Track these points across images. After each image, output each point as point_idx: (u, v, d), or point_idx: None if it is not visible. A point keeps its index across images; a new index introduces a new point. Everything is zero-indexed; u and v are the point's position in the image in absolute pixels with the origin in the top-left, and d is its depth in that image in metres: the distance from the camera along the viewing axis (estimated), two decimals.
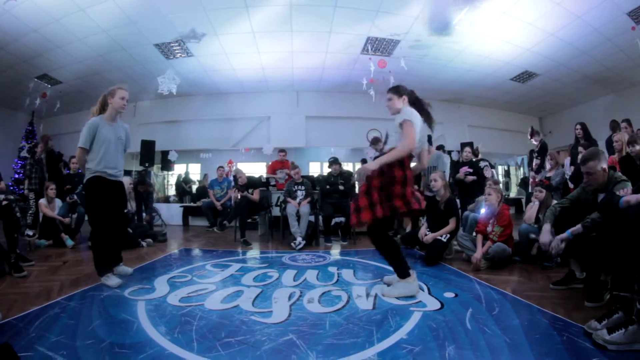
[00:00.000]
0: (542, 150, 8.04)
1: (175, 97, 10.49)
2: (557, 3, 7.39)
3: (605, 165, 3.53)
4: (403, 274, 3.85)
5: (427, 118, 4.04)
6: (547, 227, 3.75)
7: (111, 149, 4.49)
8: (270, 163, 10.90)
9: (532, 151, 8.56)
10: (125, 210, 6.74)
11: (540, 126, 15.41)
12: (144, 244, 7.02)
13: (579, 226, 3.38)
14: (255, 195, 7.72)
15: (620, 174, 3.62)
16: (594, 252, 3.34)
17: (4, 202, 5.39)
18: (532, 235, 4.98)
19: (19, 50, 9.07)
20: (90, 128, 4.37)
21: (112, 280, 4.36)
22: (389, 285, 4.04)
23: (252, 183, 7.98)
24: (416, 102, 4.06)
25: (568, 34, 8.56)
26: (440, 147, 9.80)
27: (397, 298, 3.71)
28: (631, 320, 2.58)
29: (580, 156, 3.96)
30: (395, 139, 3.85)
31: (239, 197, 7.72)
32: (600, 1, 7.26)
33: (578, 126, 7.54)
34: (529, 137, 8.50)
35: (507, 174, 16.13)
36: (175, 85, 9.19)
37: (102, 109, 4.60)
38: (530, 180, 7.76)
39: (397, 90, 4.08)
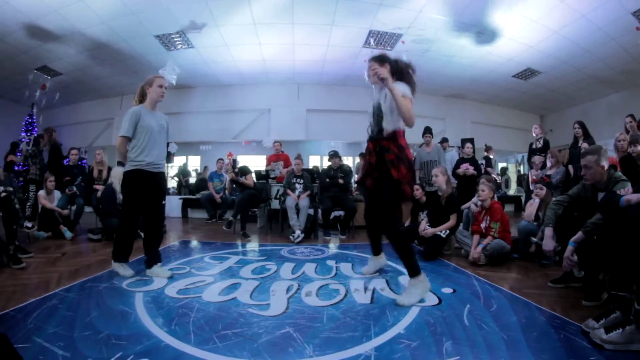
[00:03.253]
0: (545, 148, 8.02)
1: (176, 88, 10.50)
2: (562, 0, 7.35)
3: (604, 163, 3.52)
4: (415, 271, 3.68)
5: (411, 85, 3.79)
6: (549, 232, 3.75)
7: (154, 138, 4.34)
8: (269, 157, 10.81)
9: (531, 148, 8.51)
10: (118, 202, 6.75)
11: (541, 124, 15.41)
12: (142, 234, 7.02)
13: (580, 233, 3.35)
14: (249, 180, 7.74)
15: (620, 173, 3.61)
16: (593, 251, 3.33)
17: (3, 194, 5.38)
18: (534, 240, 4.97)
19: (19, 42, 9.05)
20: (133, 116, 4.24)
21: (125, 270, 4.37)
22: (366, 274, 4.28)
23: (243, 170, 8.00)
24: (400, 72, 3.88)
25: (572, 32, 8.53)
26: (445, 141, 9.75)
27: (396, 292, 3.74)
28: (629, 320, 2.57)
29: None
30: (391, 118, 3.74)
31: (232, 179, 7.79)
32: (605, 0, 7.22)
33: (576, 125, 7.50)
34: (536, 133, 8.42)
35: (505, 171, 16.06)
36: (175, 76, 9.17)
37: (141, 99, 4.48)
38: (531, 178, 7.73)
39: (380, 59, 3.93)
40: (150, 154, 4.31)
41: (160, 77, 4.54)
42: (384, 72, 3.59)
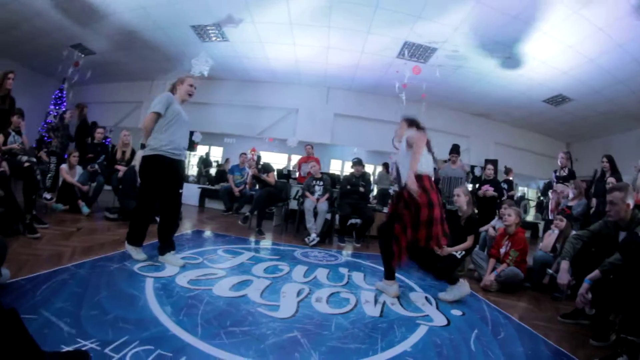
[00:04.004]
0: (570, 178, 7.91)
1: (205, 79, 10.56)
2: (600, 28, 7.28)
3: (630, 202, 3.49)
4: (453, 280, 4.14)
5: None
6: (565, 266, 3.75)
7: (180, 123, 4.37)
8: (299, 159, 10.80)
9: (555, 176, 8.40)
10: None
11: (568, 152, 15.22)
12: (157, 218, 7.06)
13: (597, 272, 3.33)
14: (270, 178, 7.75)
15: None
16: (608, 291, 3.28)
17: (27, 164, 5.43)
18: (549, 271, 4.90)
19: (57, 18, 9.19)
20: (166, 97, 4.31)
21: (138, 254, 4.38)
22: (381, 291, 4.22)
23: (266, 168, 8.02)
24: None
25: (607, 61, 8.43)
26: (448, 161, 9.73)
27: (406, 309, 3.72)
28: None
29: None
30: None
31: (254, 175, 7.83)
32: None
33: (604, 159, 7.37)
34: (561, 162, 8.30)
35: (523, 197, 15.87)
36: (207, 67, 9.25)
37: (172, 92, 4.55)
38: (551, 207, 7.64)
39: (411, 121, 4.37)
40: (173, 135, 4.31)
41: (192, 76, 4.62)
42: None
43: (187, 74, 4.64)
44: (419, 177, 3.85)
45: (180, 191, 4.67)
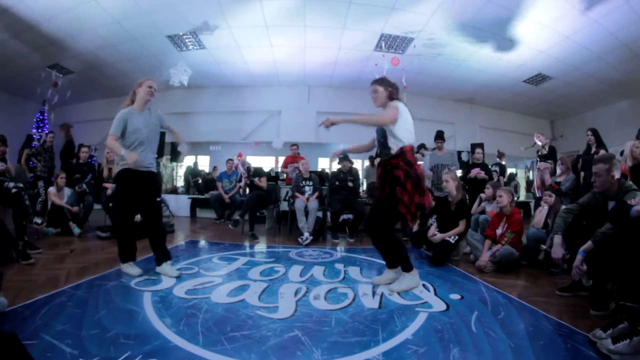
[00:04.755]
0: (551, 155, 7.99)
1: (186, 88, 10.52)
2: (574, 6, 7.31)
3: (615, 173, 3.51)
4: (409, 267, 4.06)
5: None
6: (558, 240, 3.77)
7: (142, 139, 4.37)
8: (285, 158, 10.80)
9: (538, 155, 8.49)
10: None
11: (551, 130, 15.30)
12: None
13: (589, 243, 3.34)
14: (263, 182, 7.77)
15: (631, 182, 3.60)
16: (602, 261, 3.31)
17: (14, 190, 5.41)
18: (543, 247, 4.94)
19: (31, 40, 9.10)
20: (121, 117, 4.26)
21: (133, 269, 4.39)
22: (378, 284, 4.20)
23: (258, 172, 8.02)
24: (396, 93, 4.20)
25: (583, 37, 8.45)
26: (422, 147, 9.72)
27: (404, 298, 3.73)
28: (636, 331, 2.56)
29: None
30: (394, 139, 3.93)
31: (247, 183, 7.82)
32: (618, 5, 7.15)
33: (589, 132, 7.44)
34: (541, 141, 8.41)
35: (514, 176, 15.92)
36: (186, 77, 9.23)
37: (132, 101, 4.53)
38: (537, 184, 7.71)
39: (382, 82, 4.19)
40: (139, 155, 4.27)
41: (151, 79, 4.57)
42: (337, 119, 3.87)
43: (147, 78, 4.56)
44: (405, 151, 3.87)
45: (158, 199, 4.68)
